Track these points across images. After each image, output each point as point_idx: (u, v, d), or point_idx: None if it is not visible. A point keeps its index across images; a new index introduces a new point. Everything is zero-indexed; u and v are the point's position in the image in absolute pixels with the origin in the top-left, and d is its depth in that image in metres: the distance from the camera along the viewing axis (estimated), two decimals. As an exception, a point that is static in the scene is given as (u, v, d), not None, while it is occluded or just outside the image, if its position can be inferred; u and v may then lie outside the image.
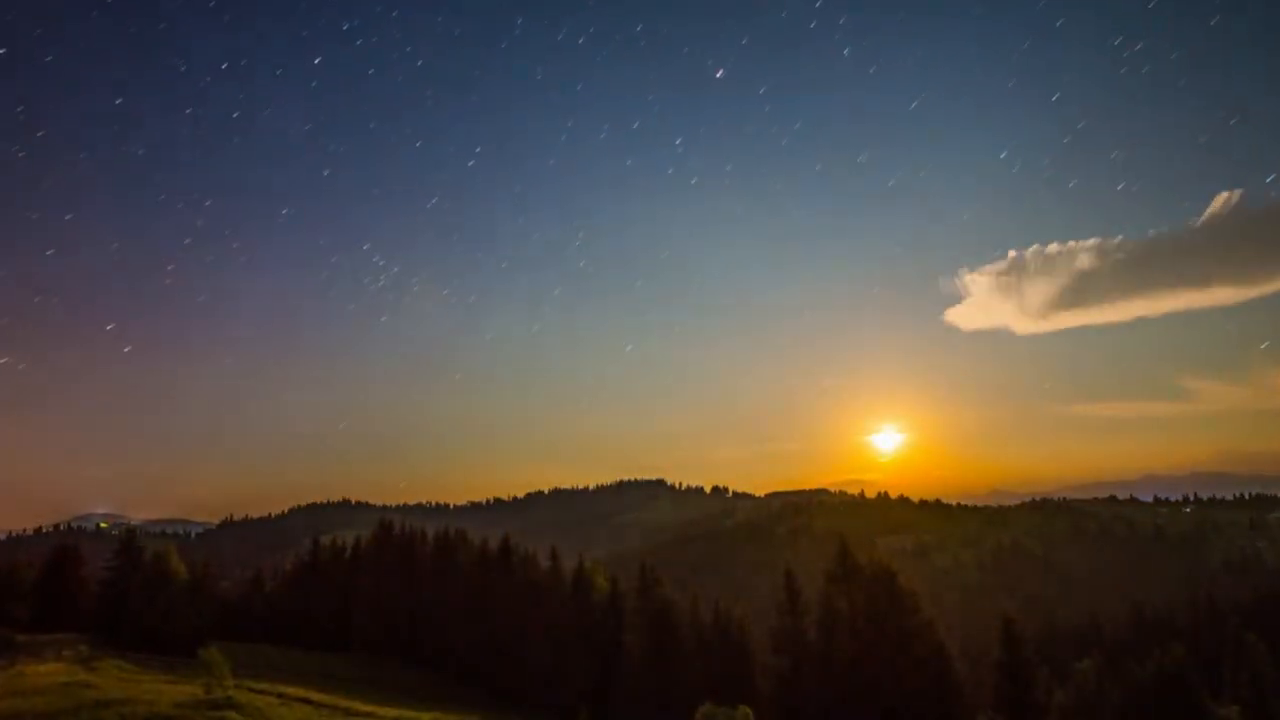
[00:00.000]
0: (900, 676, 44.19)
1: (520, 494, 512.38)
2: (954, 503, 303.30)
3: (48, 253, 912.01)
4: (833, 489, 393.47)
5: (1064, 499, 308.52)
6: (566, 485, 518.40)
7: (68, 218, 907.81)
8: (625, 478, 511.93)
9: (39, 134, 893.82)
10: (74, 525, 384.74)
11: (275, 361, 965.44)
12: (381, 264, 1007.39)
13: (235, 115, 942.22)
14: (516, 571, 67.52)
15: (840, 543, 50.17)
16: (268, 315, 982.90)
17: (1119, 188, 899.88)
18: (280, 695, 37.39)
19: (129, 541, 65.01)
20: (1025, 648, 45.95)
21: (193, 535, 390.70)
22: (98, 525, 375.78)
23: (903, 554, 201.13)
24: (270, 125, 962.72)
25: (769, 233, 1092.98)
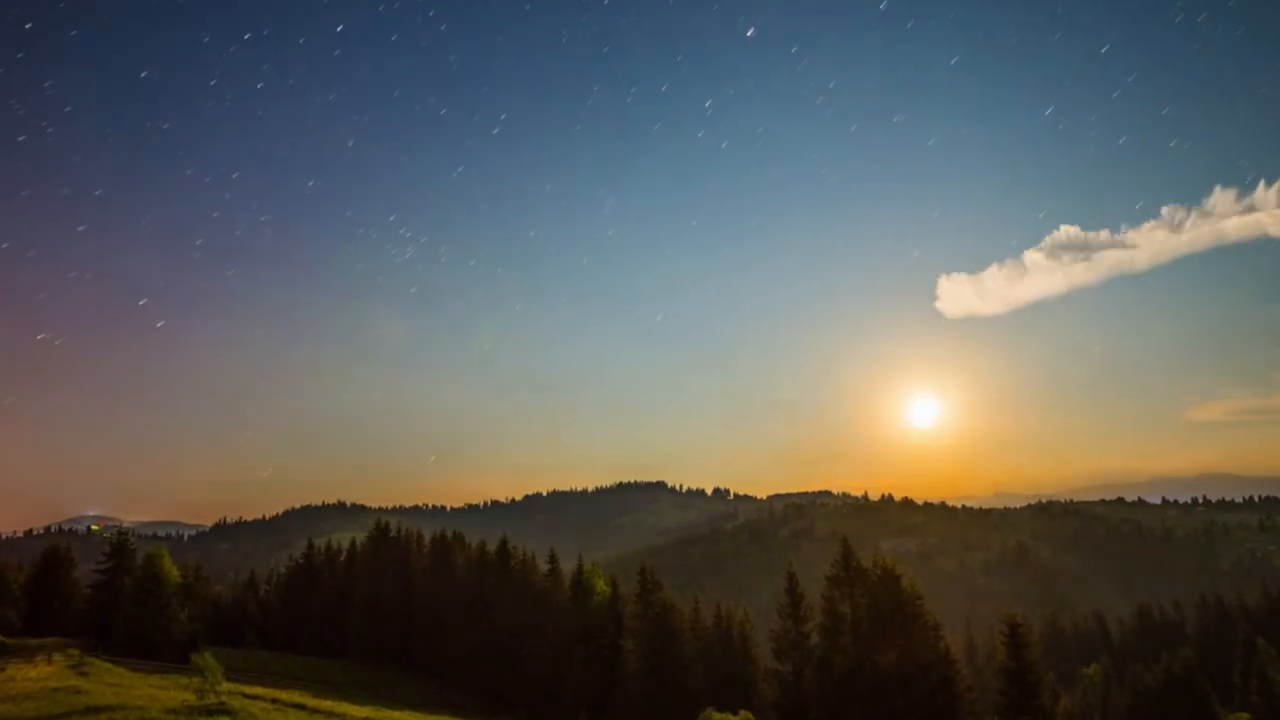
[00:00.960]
0: (904, 681, 43.33)
1: (518, 496, 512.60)
2: (958, 505, 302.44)
3: (79, 229, 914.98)
4: (836, 491, 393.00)
5: (1070, 501, 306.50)
6: (565, 487, 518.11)
7: (97, 193, 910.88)
8: (625, 480, 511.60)
9: (66, 109, 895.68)
10: (65, 527, 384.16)
11: (303, 341, 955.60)
12: (409, 235, 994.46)
13: (259, 86, 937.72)
14: (515, 575, 66.76)
15: (843, 545, 49.23)
16: (295, 291, 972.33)
17: (1171, 145, 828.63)
18: (274, 701, 36.82)
19: (121, 544, 64.13)
20: (1031, 652, 44.91)
21: (186, 538, 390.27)
22: (89, 527, 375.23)
23: (907, 557, 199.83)
24: (294, 95, 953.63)
25: (802, 197, 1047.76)
